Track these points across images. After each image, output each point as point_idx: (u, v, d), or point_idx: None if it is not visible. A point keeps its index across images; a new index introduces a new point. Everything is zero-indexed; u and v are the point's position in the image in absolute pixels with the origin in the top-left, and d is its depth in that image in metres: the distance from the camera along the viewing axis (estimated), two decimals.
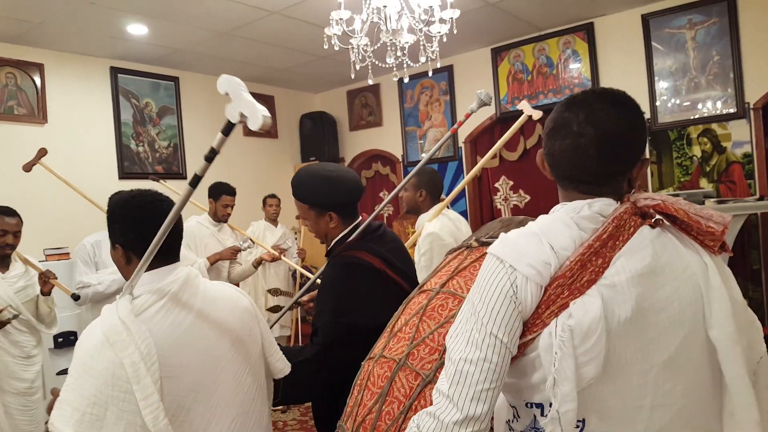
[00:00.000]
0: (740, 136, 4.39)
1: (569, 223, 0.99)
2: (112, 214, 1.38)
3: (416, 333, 1.21)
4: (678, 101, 4.61)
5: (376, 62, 3.41)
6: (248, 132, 6.01)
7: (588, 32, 4.92)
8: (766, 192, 4.24)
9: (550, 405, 0.92)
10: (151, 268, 1.29)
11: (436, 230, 2.67)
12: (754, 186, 4.32)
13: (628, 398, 0.93)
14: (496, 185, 5.67)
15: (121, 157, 5.05)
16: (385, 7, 2.96)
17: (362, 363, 1.36)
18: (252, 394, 1.43)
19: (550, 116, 1.06)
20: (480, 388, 0.93)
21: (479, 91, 2.20)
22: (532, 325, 0.95)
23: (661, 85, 4.66)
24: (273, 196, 5.05)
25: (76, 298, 3.04)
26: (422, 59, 3.34)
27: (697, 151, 4.57)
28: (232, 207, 3.95)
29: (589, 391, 0.92)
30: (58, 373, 3.96)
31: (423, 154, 5.97)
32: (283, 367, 1.54)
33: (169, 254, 1.35)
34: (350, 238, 1.81)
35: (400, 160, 6.19)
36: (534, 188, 5.41)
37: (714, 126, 4.48)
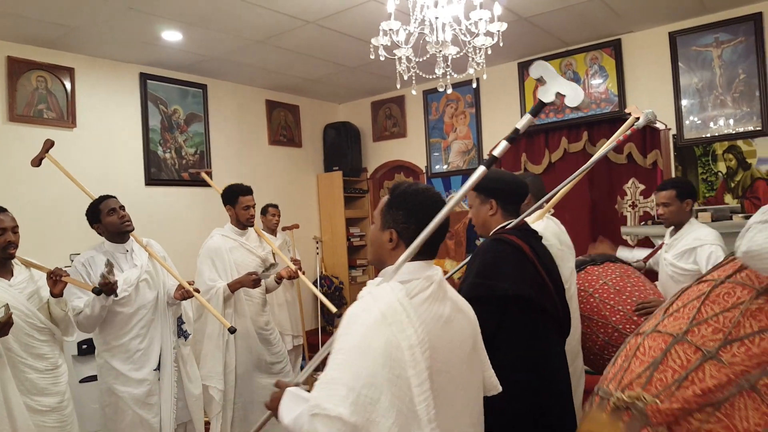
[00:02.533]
0: (765, 152, 4.46)
1: None
2: (398, 201, 1.36)
3: (697, 314, 1.27)
4: (703, 118, 4.69)
5: (421, 73, 3.47)
6: (273, 140, 6.07)
7: (615, 48, 5.01)
8: None
9: None
10: (414, 259, 1.30)
11: (541, 231, 2.69)
12: None
13: None
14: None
15: (148, 163, 5.09)
16: (437, 18, 3.03)
17: (627, 339, 1.42)
18: (479, 410, 1.39)
19: None
20: None
21: (647, 111, 2.34)
22: None
23: (687, 102, 4.74)
24: (274, 205, 4.93)
25: (98, 292, 2.57)
26: (470, 71, 3.40)
27: (722, 167, 4.64)
28: (253, 207, 3.52)
29: None
30: (82, 381, 3.89)
31: (445, 166, 6.03)
32: (496, 384, 1.50)
33: (433, 249, 1.36)
34: (508, 226, 1.97)
35: (424, 171, 6.25)
36: (562, 201, 5.45)
37: (739, 143, 4.56)
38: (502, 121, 5.67)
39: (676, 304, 1.39)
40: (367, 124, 6.70)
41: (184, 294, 2.88)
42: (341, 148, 6.39)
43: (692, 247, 2.86)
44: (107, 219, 2.87)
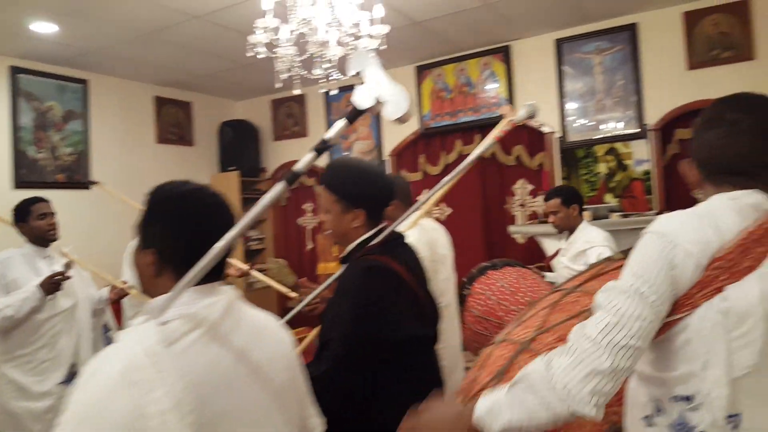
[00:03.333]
0: (641, 154, 4.74)
1: (731, 208, 1.00)
2: (155, 211, 1.06)
3: (544, 322, 1.27)
4: (586, 121, 4.92)
5: (304, 73, 3.38)
6: (162, 139, 5.77)
7: (505, 54, 5.15)
8: (664, 206, 4.60)
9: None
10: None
11: (413, 242, 2.59)
12: (653, 201, 4.68)
13: None
14: (418, 198, 5.77)
15: (17, 164, 4.67)
16: (313, 18, 2.95)
17: (483, 349, 1.41)
18: None
19: (703, 115, 1.12)
20: (631, 344, 0.94)
21: (529, 103, 2.21)
22: (681, 305, 0.97)
23: (571, 106, 4.95)
24: None
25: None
26: (351, 73, 3.35)
27: (603, 168, 4.89)
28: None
29: (746, 382, 0.91)
30: None
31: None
32: (318, 424, 1.25)
33: (213, 269, 0.99)
34: (373, 242, 1.65)
35: None
36: (455, 201, 5.55)
37: (618, 145, 4.82)
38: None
39: (528, 313, 1.39)
40: (266, 122, 6.52)
41: (119, 293, 2.93)
42: (239, 147, 6.18)
43: (583, 250, 3.00)
44: (35, 222, 2.81)
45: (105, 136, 5.28)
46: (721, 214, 0.99)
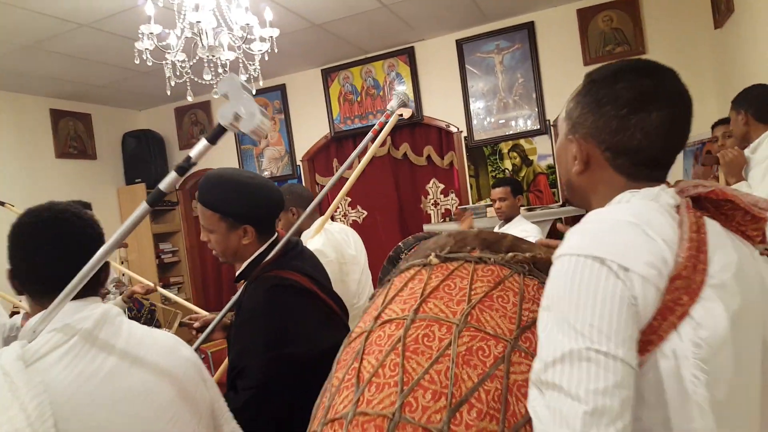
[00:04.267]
0: (544, 150, 4.91)
1: (656, 210, 0.80)
2: (10, 239, 1.08)
3: (404, 375, 0.89)
4: (491, 120, 5.04)
5: (195, 79, 3.27)
6: (61, 153, 5.44)
7: (410, 56, 5.20)
8: (567, 199, 4.79)
9: None
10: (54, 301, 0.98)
11: (320, 247, 2.49)
12: (557, 194, 4.85)
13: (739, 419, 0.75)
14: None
15: None
16: (199, 22, 2.86)
17: None
18: None
19: (621, 87, 0.86)
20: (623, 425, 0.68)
21: (398, 89, 2.14)
22: (645, 343, 0.73)
23: (476, 105, 5.06)
24: None
25: None
26: (242, 77, 3.27)
27: (508, 164, 5.03)
28: None
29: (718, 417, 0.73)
30: None
31: (265, 171, 5.87)
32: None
33: (85, 286, 1.01)
34: (269, 257, 1.57)
35: None
36: (371, 203, 5.56)
37: (522, 141, 4.98)
38: (310, 126, 5.63)
39: (367, 363, 1.02)
40: (171, 131, 6.28)
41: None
42: (144, 158, 5.92)
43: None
44: None
45: None
46: (653, 219, 0.78)
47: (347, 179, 2.61)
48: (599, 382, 0.68)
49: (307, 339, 1.48)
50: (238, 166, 5.97)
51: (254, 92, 3.64)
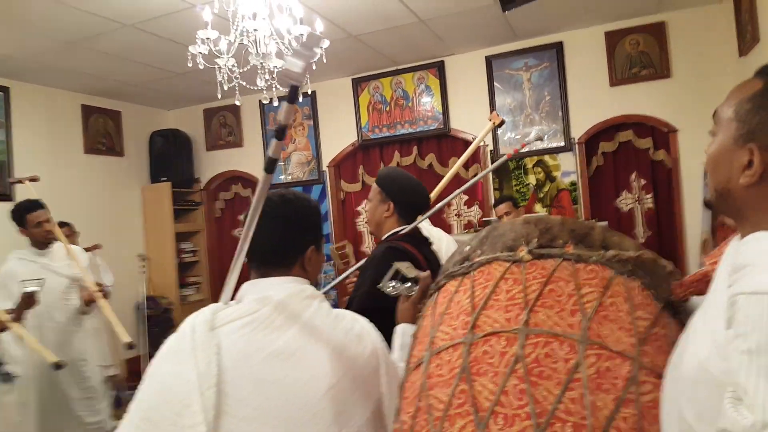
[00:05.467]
0: (568, 166, 5.01)
1: None
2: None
3: (535, 405, 0.77)
4: (516, 134, 5.14)
5: (244, 83, 3.37)
6: (90, 149, 5.52)
7: (439, 69, 5.32)
8: (589, 215, 4.88)
9: None
10: (261, 274, 1.15)
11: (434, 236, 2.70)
12: (579, 210, 4.94)
13: None
14: (358, 209, 5.84)
15: None
16: (255, 30, 2.95)
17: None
18: None
19: None
20: None
21: (538, 128, 2.48)
22: None
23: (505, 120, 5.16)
24: (65, 224, 4.36)
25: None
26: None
27: (532, 179, 5.13)
28: (48, 221, 3.20)
29: None
30: None
31: (282, 176, 5.96)
32: None
33: (277, 263, 1.16)
34: (400, 233, 1.92)
35: None
36: None
37: (546, 158, 5.07)
38: (338, 133, 5.73)
39: (483, 387, 0.89)
40: (199, 132, 6.38)
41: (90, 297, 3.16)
42: (170, 157, 6.00)
43: None
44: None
45: (29, 146, 5.00)
46: None
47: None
48: None
49: None
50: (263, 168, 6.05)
51: (300, 99, 3.73)
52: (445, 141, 5.40)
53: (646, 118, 4.79)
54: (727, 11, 4.36)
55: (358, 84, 5.59)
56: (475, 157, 5.28)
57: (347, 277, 2.17)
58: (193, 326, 1.04)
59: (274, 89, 3.39)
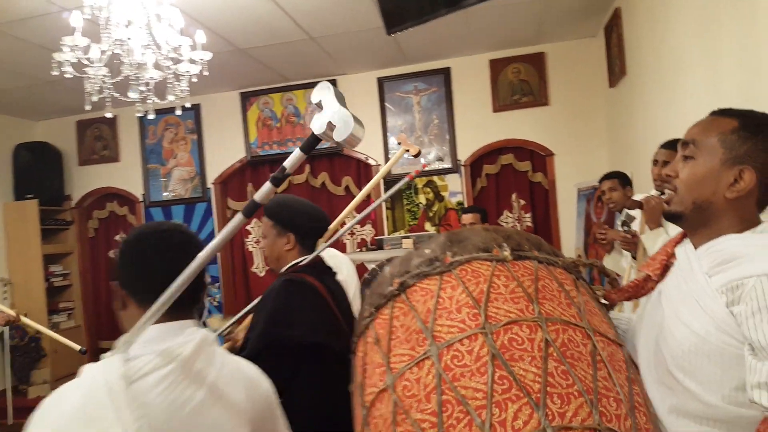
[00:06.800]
0: (455, 187, 5.18)
1: None
2: (120, 249, 1.10)
3: (581, 384, 0.84)
4: (407, 156, 5.22)
5: (117, 95, 3.13)
6: None
7: None
8: None
9: None
10: (157, 321, 0.96)
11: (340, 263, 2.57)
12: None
13: None
14: (248, 227, 5.64)
15: None
16: (129, 39, 2.76)
17: None
18: None
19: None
20: None
21: (437, 148, 2.30)
22: None
23: (394, 141, 5.24)
24: None
25: None
26: (170, 97, 3.18)
27: (422, 199, 5.24)
28: None
29: None
30: None
31: (165, 193, 5.63)
32: None
33: (183, 306, 1.04)
34: (299, 264, 1.80)
35: (141, 199, 5.71)
36: None
37: (435, 178, 5.21)
38: (225, 148, 5.52)
39: (527, 369, 0.93)
40: (71, 145, 5.87)
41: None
42: (37, 172, 5.46)
43: None
44: None
45: None
46: None
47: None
48: None
49: (303, 327, 1.65)
50: (142, 185, 5.70)
51: (179, 113, 3.55)
52: (338, 160, 5.38)
53: (526, 142, 5.08)
54: (600, 45, 4.75)
55: (246, 98, 5.43)
56: (368, 177, 5.30)
57: (242, 317, 2.01)
58: (107, 384, 0.90)
59: (149, 102, 3.18)
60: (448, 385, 0.84)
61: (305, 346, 1.63)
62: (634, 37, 3.83)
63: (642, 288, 1.19)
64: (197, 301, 1.12)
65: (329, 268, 1.91)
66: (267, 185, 0.93)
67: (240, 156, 5.47)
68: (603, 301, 1.19)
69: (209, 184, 5.58)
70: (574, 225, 4.97)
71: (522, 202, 5.20)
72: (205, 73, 3.19)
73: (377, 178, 2.99)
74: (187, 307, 1.08)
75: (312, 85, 5.31)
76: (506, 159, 5.17)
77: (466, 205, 5.11)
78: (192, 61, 3.16)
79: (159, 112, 5.19)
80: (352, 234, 5.38)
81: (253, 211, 0.95)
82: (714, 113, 1.11)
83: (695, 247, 1.09)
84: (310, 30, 4.17)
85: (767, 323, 0.89)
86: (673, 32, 2.99)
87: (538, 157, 5.12)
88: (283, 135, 5.40)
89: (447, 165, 5.14)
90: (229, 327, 2.02)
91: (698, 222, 1.09)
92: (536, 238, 1.08)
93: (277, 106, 5.40)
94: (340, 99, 0.92)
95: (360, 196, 2.87)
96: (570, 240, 5.00)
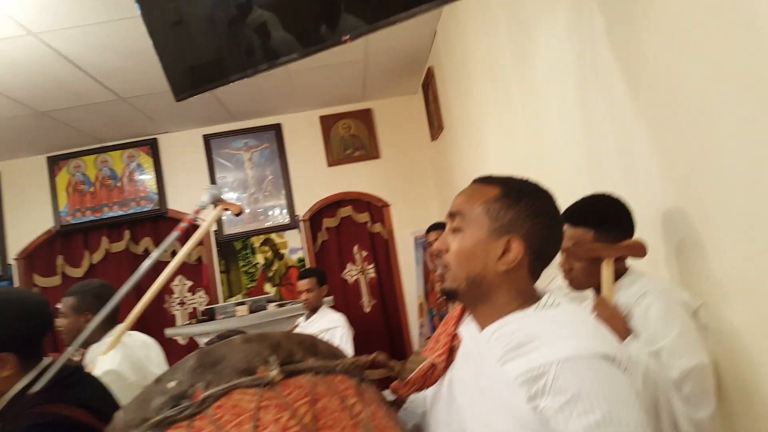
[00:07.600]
0: (294, 243, 5.04)
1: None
2: None
3: None
4: (228, 215, 5.00)
5: None
6: None
7: (152, 147, 4.96)
8: None
9: None
10: None
11: (115, 367, 2.02)
12: None
13: None
14: (57, 306, 4.97)
15: None
16: None
17: None
18: None
19: (546, 201, 1.02)
20: None
21: (210, 186, 1.89)
22: None
23: (225, 199, 4.99)
24: None
25: None
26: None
27: (260, 258, 5.01)
28: None
29: None
30: None
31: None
32: None
33: None
34: (34, 388, 1.23)
35: None
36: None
37: (273, 236, 5.03)
38: (30, 219, 4.87)
39: None
40: None
41: None
42: None
43: (327, 329, 3.20)
44: None
45: None
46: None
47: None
48: None
49: None
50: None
51: None
52: (162, 223, 4.98)
53: (362, 194, 5.12)
54: (420, 101, 4.99)
55: (55, 162, 4.88)
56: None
57: None
58: None
59: None
60: None
61: None
62: (445, 93, 4.05)
63: (430, 378, 1.06)
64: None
65: (73, 373, 1.35)
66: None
67: (47, 226, 4.85)
68: (391, 397, 1.06)
69: (10, 260, 4.86)
70: (414, 273, 5.05)
71: (364, 253, 5.19)
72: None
73: (190, 244, 2.49)
74: None
75: (130, 145, 4.93)
76: (345, 211, 5.17)
77: (307, 262, 4.99)
78: None
79: None
80: (182, 303, 4.98)
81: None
82: (476, 180, 1.05)
83: (481, 327, 0.99)
84: (119, 91, 3.86)
85: (577, 416, 0.80)
86: (474, 88, 3.19)
87: (376, 208, 5.18)
88: (98, 200, 4.89)
89: (285, 221, 5.00)
90: None
91: (475, 298, 1.00)
92: (310, 339, 0.93)
93: (91, 170, 4.91)
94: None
95: (173, 265, 2.45)
96: (411, 287, 5.07)
